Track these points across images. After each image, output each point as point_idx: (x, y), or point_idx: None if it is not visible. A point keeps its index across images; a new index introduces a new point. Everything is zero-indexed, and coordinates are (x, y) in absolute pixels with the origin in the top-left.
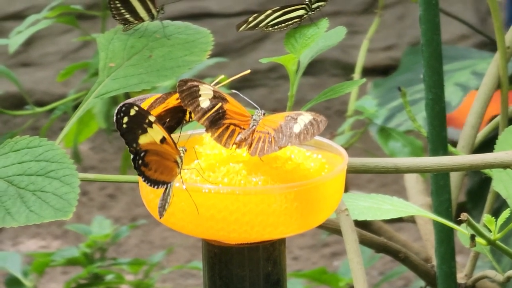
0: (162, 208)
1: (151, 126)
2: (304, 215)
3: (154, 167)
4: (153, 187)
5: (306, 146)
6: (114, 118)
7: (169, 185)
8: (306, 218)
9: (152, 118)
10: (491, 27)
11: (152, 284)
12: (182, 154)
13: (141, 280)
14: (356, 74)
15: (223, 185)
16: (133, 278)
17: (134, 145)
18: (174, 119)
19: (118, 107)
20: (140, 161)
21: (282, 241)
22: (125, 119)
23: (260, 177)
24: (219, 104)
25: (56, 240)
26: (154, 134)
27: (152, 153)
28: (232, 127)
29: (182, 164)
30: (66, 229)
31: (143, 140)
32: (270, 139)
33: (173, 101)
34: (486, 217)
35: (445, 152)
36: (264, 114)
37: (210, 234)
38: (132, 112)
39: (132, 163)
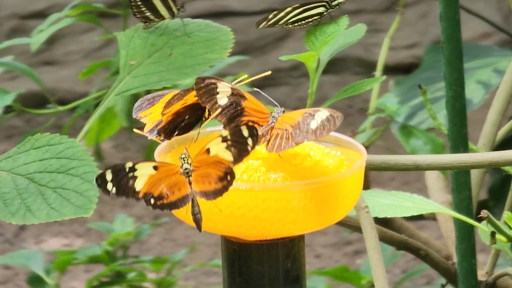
0: (199, 220)
1: (135, 170)
2: (323, 212)
3: (169, 191)
4: (181, 206)
5: (325, 143)
6: (100, 190)
7: (192, 195)
8: (325, 214)
9: (129, 164)
10: None
11: (175, 282)
12: (184, 160)
13: (163, 278)
14: (378, 72)
15: (242, 181)
16: (155, 276)
17: (137, 195)
18: (193, 116)
19: (94, 182)
20: (152, 201)
21: (301, 238)
22: (110, 185)
23: (279, 174)
24: (237, 102)
25: (79, 239)
26: (144, 170)
27: (157, 185)
28: (250, 124)
29: (190, 165)
30: (88, 227)
31: (140, 184)
32: (287, 136)
33: (192, 98)
34: (506, 214)
35: (466, 150)
36: (283, 111)
37: (229, 231)
38: (109, 177)
39: (150, 207)
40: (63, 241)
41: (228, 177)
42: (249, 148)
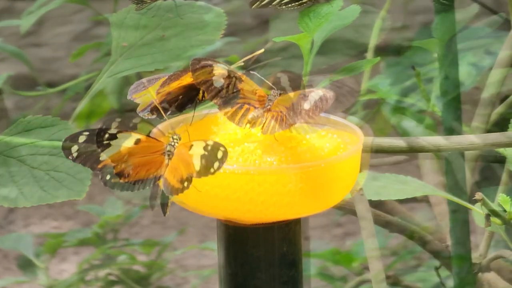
0: (153, 207)
1: (115, 138)
2: (320, 195)
3: (133, 170)
4: (137, 189)
5: (322, 126)
6: (62, 150)
7: (161, 178)
8: (321, 198)
9: (112, 131)
10: (506, 6)
11: (165, 265)
12: (174, 142)
13: (153, 260)
14: (369, 54)
15: (238, 165)
16: (145, 259)
17: (96, 165)
18: (186, 97)
19: (62, 142)
20: (108, 176)
21: (297, 221)
22: (75, 148)
23: (275, 157)
24: (233, 83)
25: (68, 221)
26: (124, 141)
27: (124, 160)
28: (246, 106)
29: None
30: (77, 209)
31: (106, 155)
32: (282, 117)
33: (188, 78)
34: (501, 196)
35: (460, 132)
36: (280, 94)
37: (225, 215)
38: (82, 138)
39: (102, 182)
40: (52, 224)
41: (185, 184)
42: (212, 170)
